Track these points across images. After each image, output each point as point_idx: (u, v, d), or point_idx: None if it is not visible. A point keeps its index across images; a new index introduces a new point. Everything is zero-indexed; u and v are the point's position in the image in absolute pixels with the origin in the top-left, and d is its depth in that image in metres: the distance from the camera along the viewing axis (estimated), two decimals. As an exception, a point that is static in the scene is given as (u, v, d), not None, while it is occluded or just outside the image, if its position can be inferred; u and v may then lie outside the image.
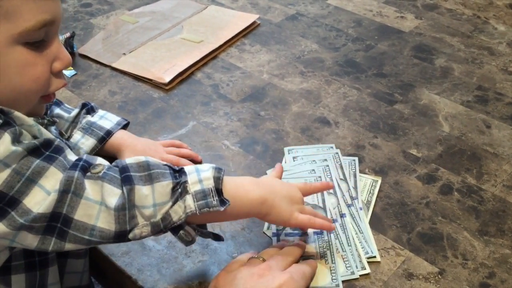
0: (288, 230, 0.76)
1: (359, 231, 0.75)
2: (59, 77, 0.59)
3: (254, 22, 1.27)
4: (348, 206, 0.79)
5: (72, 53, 1.14)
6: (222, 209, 0.59)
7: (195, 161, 0.87)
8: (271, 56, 1.17)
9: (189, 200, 0.57)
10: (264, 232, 0.77)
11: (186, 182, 0.58)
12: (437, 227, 0.79)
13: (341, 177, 0.83)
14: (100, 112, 0.87)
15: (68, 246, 0.54)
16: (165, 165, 0.59)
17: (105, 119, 0.85)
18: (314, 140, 0.93)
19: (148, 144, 0.86)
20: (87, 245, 0.55)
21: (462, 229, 0.78)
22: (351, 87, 1.08)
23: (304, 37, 1.24)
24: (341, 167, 0.85)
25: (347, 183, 0.82)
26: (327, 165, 0.84)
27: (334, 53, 1.18)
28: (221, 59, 1.16)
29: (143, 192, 0.55)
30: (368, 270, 0.71)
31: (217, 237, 0.68)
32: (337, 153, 0.88)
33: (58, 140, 0.57)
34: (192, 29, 1.23)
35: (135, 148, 0.84)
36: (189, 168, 0.60)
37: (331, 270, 0.71)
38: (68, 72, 1.09)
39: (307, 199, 0.79)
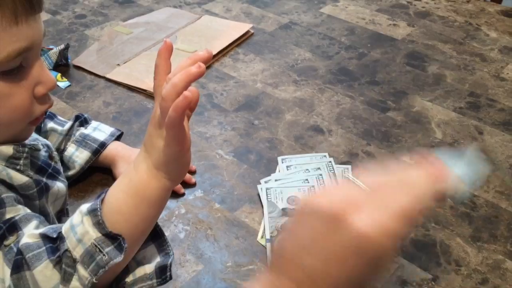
0: None
1: (352, 239, 0.76)
2: (43, 100, 0.55)
3: (247, 32, 1.28)
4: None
5: (66, 65, 1.15)
6: (121, 257, 0.48)
7: (189, 171, 0.88)
8: (265, 65, 1.18)
9: (80, 270, 0.48)
10: (258, 241, 0.77)
11: (67, 250, 0.49)
12: (430, 233, 0.79)
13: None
14: (94, 123, 0.87)
15: None
16: (43, 236, 0.50)
17: (99, 130, 0.86)
18: (308, 149, 0.94)
19: (142, 154, 0.86)
20: None
21: (455, 235, 0.79)
22: (344, 95, 1.09)
23: (298, 46, 1.25)
24: (335, 175, 0.85)
25: (340, 191, 0.83)
26: (320, 174, 0.85)
27: (327, 62, 1.19)
28: (215, 69, 1.16)
29: (29, 280, 0.49)
30: (361, 278, 0.71)
31: (162, 274, 0.55)
32: (330, 161, 0.88)
33: (8, 195, 0.53)
34: (186, 39, 1.24)
35: (130, 159, 0.84)
36: (65, 227, 0.50)
37: None
38: (62, 84, 1.09)
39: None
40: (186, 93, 0.44)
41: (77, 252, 0.48)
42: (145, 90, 1.08)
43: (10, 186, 0.55)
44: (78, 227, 0.49)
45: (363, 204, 0.40)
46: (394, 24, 1.34)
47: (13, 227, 0.52)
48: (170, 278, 0.55)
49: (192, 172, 0.88)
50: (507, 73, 1.15)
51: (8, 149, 0.55)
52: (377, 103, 1.06)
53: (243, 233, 0.79)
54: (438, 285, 0.72)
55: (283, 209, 0.80)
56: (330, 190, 0.46)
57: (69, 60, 1.16)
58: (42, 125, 0.81)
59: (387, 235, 0.39)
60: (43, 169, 0.61)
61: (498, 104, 1.06)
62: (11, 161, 0.56)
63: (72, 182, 0.83)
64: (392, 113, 1.03)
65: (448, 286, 0.72)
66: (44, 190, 0.60)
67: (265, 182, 0.85)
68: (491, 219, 0.82)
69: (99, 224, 0.48)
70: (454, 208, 0.83)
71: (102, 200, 0.50)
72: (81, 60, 1.17)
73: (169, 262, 0.54)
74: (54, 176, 0.63)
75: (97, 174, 0.87)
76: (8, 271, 0.50)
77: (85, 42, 1.24)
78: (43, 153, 0.62)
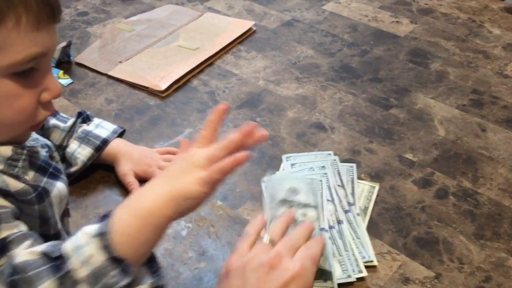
0: None
1: (356, 237, 0.76)
2: (46, 107, 0.55)
3: (250, 29, 1.28)
4: (346, 212, 0.79)
5: (68, 62, 1.15)
6: (128, 279, 0.49)
7: (191, 168, 0.87)
8: (267, 62, 1.17)
9: None
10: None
11: (69, 271, 0.48)
12: (433, 231, 0.79)
13: (339, 183, 0.83)
14: (96, 120, 0.87)
15: None
16: (43, 255, 0.49)
17: (101, 127, 0.85)
18: (310, 146, 0.94)
19: (144, 152, 0.86)
20: None
21: (458, 233, 0.79)
22: (346, 92, 1.08)
23: (300, 43, 1.24)
24: (339, 174, 0.85)
25: (344, 189, 0.82)
26: (325, 172, 0.84)
27: (330, 59, 1.19)
28: (217, 66, 1.16)
29: None
30: (365, 273, 0.71)
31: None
32: (335, 160, 0.88)
33: (6, 210, 0.53)
34: (188, 37, 1.24)
35: (132, 157, 0.84)
36: (69, 247, 0.50)
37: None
38: (65, 81, 1.09)
39: (298, 198, 0.80)
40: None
41: (81, 273, 0.48)
42: (147, 88, 1.07)
43: (7, 193, 0.54)
44: (84, 249, 0.49)
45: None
46: (397, 21, 1.34)
47: (5, 248, 0.51)
48: None
49: (194, 170, 0.88)
50: (511, 70, 1.15)
51: (7, 151, 0.55)
52: (380, 100, 1.06)
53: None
54: (441, 283, 0.72)
55: (283, 200, 0.80)
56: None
57: (71, 58, 1.15)
58: (45, 122, 0.81)
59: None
60: (44, 168, 0.61)
61: (501, 102, 1.06)
62: (9, 163, 0.56)
63: (74, 179, 0.83)
64: (395, 110, 1.03)
65: (451, 284, 0.71)
66: (44, 195, 0.59)
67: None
68: (494, 216, 0.81)
69: (106, 248, 0.49)
70: (457, 206, 0.83)
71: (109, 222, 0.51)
72: (83, 57, 1.17)
73: (164, 283, 0.55)
74: (55, 175, 0.62)
75: (99, 172, 0.87)
76: None
77: (87, 40, 1.24)
78: (43, 153, 0.62)
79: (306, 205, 0.79)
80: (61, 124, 0.83)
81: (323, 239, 0.66)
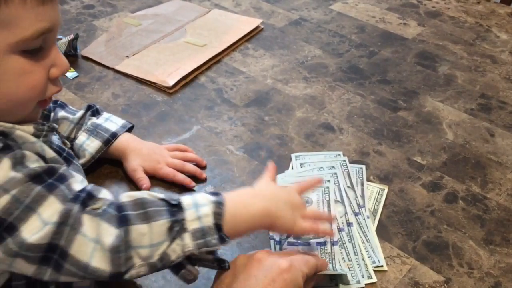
0: (291, 239, 0.76)
1: (366, 240, 0.75)
2: (55, 82, 0.57)
3: (257, 27, 1.27)
4: (355, 214, 0.78)
5: (75, 55, 1.14)
6: (220, 247, 0.57)
7: (200, 166, 0.87)
8: (275, 61, 1.17)
9: (187, 238, 0.55)
10: (269, 238, 0.77)
11: (183, 219, 0.55)
12: (442, 235, 0.78)
13: (349, 185, 0.83)
14: (105, 114, 0.86)
15: (63, 278, 0.53)
16: (162, 199, 0.56)
17: (110, 121, 0.85)
18: (319, 146, 0.93)
19: (153, 148, 0.85)
20: (82, 279, 0.53)
21: (467, 237, 0.78)
22: (355, 93, 1.08)
23: (308, 43, 1.24)
24: (349, 175, 0.85)
25: (354, 191, 0.82)
26: (335, 173, 0.84)
27: (338, 59, 1.18)
28: (224, 63, 1.15)
29: (140, 232, 0.53)
30: (374, 279, 0.71)
31: (221, 263, 0.63)
32: (344, 160, 0.87)
33: (64, 168, 0.56)
34: (195, 33, 1.23)
35: (140, 152, 0.83)
36: (187, 201, 0.57)
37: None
38: (70, 74, 1.08)
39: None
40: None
41: (191, 225, 0.56)
42: (154, 83, 1.07)
43: (43, 159, 0.57)
44: (203, 208, 0.57)
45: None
46: (405, 23, 1.33)
47: (92, 195, 0.55)
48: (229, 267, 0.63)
49: (203, 167, 0.87)
50: (518, 76, 1.15)
51: (29, 128, 0.57)
52: (388, 102, 1.06)
53: (254, 230, 0.78)
54: (450, 288, 0.71)
55: None
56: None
57: (78, 51, 1.14)
58: (53, 114, 0.80)
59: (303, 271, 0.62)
60: (58, 152, 0.62)
61: (509, 107, 1.05)
62: None
63: (81, 174, 0.82)
64: (403, 113, 1.03)
65: (461, 289, 0.71)
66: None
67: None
68: (503, 222, 0.81)
69: (218, 214, 0.57)
70: (466, 210, 0.83)
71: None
72: (90, 51, 1.16)
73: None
74: (68, 160, 0.64)
75: (106, 167, 0.86)
76: (109, 227, 0.53)
77: (93, 33, 1.23)
78: (56, 139, 0.63)
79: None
80: (70, 116, 0.82)
81: (317, 255, 0.70)
